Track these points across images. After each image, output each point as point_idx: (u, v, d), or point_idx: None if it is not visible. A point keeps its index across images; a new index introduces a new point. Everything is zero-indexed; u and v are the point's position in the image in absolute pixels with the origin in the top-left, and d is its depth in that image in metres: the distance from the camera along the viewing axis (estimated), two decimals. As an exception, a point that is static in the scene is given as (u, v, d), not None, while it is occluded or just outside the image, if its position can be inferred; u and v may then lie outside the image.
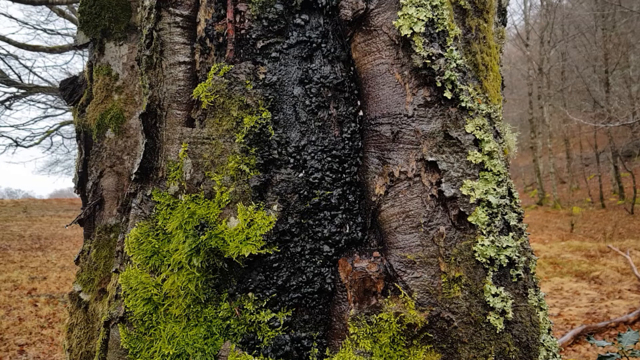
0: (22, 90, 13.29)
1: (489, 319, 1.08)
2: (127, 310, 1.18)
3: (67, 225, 2.22)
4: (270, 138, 1.13)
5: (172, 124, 1.26)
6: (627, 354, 2.00)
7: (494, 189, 1.12)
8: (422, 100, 1.12)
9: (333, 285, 1.12)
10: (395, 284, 1.08)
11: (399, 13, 1.12)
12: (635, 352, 2.01)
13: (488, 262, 1.11)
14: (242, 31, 1.18)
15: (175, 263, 1.15)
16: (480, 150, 1.13)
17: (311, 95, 1.16)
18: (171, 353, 1.11)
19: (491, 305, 1.08)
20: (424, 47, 1.10)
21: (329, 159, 1.15)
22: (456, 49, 1.14)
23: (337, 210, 1.14)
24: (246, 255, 1.09)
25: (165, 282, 1.17)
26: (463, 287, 1.08)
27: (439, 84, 1.11)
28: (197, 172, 1.18)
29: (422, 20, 1.10)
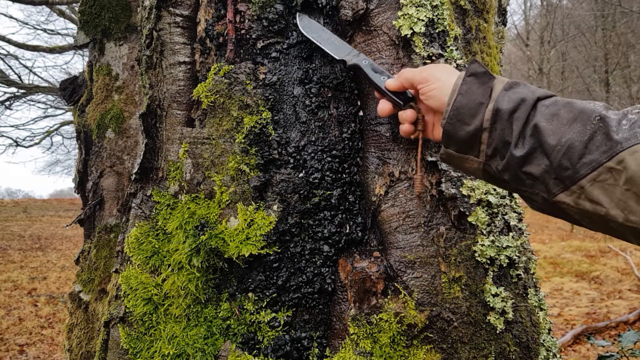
0: (22, 90, 13.29)
1: (489, 319, 1.08)
2: (127, 310, 1.18)
3: (67, 225, 2.22)
4: (270, 138, 1.13)
5: (172, 124, 1.26)
6: (627, 353, 2.00)
7: (494, 189, 1.12)
8: (422, 100, 1.12)
9: (333, 285, 1.12)
10: (396, 284, 1.08)
11: (399, 13, 1.12)
12: (635, 352, 2.02)
13: (488, 262, 1.11)
14: (242, 31, 1.18)
15: (176, 263, 1.15)
16: (480, 150, 1.13)
17: (311, 95, 1.16)
18: (171, 353, 1.11)
19: (491, 305, 1.08)
20: (424, 47, 1.10)
21: (329, 159, 1.15)
22: (456, 49, 1.14)
23: (337, 210, 1.14)
24: (246, 255, 1.09)
25: (166, 282, 1.17)
26: (463, 287, 1.08)
27: (439, 84, 1.11)
28: (197, 172, 1.18)
29: (422, 21, 1.10)
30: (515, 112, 0.75)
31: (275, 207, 1.12)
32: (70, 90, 2.01)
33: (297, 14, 1.16)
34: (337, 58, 1.09)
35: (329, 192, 1.14)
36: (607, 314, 5.50)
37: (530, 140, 0.73)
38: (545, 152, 0.71)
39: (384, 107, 1.01)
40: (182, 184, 1.20)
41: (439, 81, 0.87)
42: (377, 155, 1.16)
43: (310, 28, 1.13)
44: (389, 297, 1.07)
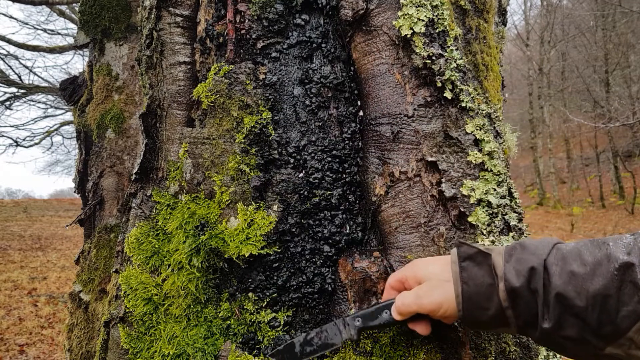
0: (22, 90, 13.29)
1: (489, 319, 1.08)
2: (127, 310, 1.18)
3: (67, 225, 2.22)
4: (270, 138, 1.13)
5: (172, 124, 1.26)
6: (627, 354, 2.00)
7: (494, 189, 1.12)
8: (422, 101, 1.12)
9: (333, 285, 1.12)
10: (396, 284, 1.08)
11: (399, 13, 1.12)
12: (635, 352, 2.01)
13: (488, 262, 1.11)
14: (243, 31, 1.18)
15: (176, 263, 1.15)
16: (480, 151, 1.13)
17: (311, 95, 1.16)
18: (171, 353, 1.11)
19: (491, 305, 1.08)
20: (424, 47, 1.10)
21: (329, 159, 1.15)
22: (456, 49, 1.14)
23: (337, 211, 1.14)
24: (246, 256, 1.09)
25: (166, 282, 1.17)
26: (463, 287, 1.08)
27: (439, 84, 1.11)
28: (197, 172, 1.18)
29: (422, 21, 1.10)
30: (530, 284, 0.72)
31: (275, 207, 1.12)
32: (70, 90, 2.01)
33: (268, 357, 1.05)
34: (341, 344, 0.98)
35: (329, 192, 1.14)
36: (607, 314, 5.48)
37: (557, 307, 0.70)
38: (576, 315, 0.69)
39: (422, 329, 0.92)
40: (182, 184, 1.20)
41: (445, 302, 0.81)
42: (377, 155, 1.16)
43: (293, 352, 1.00)
44: (389, 297, 1.07)
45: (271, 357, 1.04)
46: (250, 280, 1.11)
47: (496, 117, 1.22)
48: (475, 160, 1.11)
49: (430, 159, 1.11)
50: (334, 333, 0.99)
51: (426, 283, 0.86)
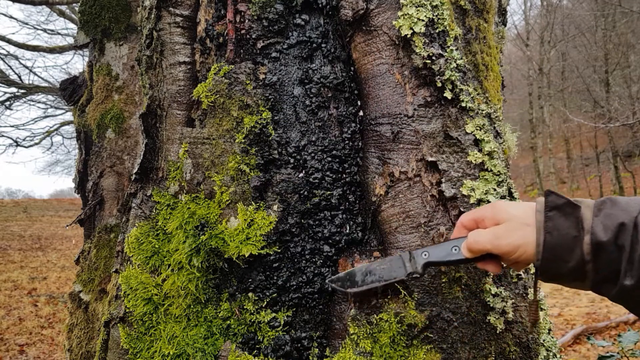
0: (22, 90, 13.30)
1: (489, 319, 1.08)
2: (127, 310, 1.18)
3: (67, 225, 2.22)
4: (270, 138, 1.13)
5: (172, 124, 1.26)
6: (627, 353, 2.01)
7: (494, 189, 1.12)
8: (422, 101, 1.12)
9: (333, 285, 1.12)
10: (396, 284, 1.08)
11: (399, 13, 1.12)
12: (635, 352, 2.02)
13: (488, 262, 1.11)
14: (243, 31, 1.18)
15: (176, 263, 1.15)
16: (480, 151, 1.13)
17: (311, 95, 1.16)
18: (171, 353, 1.11)
19: (491, 305, 1.08)
20: (424, 47, 1.10)
21: (329, 159, 1.15)
22: (456, 49, 1.14)
23: (337, 211, 1.14)
24: (246, 256, 1.09)
25: (166, 282, 1.17)
26: (463, 287, 1.08)
27: (439, 84, 1.11)
28: (197, 172, 1.18)
29: (422, 21, 1.10)
30: (618, 240, 0.70)
31: (275, 207, 1.12)
32: (70, 90, 2.01)
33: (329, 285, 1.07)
34: (405, 277, 0.98)
35: (329, 192, 1.14)
36: (607, 314, 5.50)
37: None
38: None
39: (493, 268, 0.89)
40: (182, 184, 1.20)
41: (523, 246, 0.79)
42: (377, 155, 1.16)
43: (354, 280, 1.02)
44: (389, 297, 1.07)
45: (331, 282, 1.05)
46: (250, 280, 1.11)
47: (496, 117, 1.22)
48: (475, 160, 1.11)
49: (430, 159, 1.11)
50: (398, 266, 0.98)
51: (505, 224, 0.82)
